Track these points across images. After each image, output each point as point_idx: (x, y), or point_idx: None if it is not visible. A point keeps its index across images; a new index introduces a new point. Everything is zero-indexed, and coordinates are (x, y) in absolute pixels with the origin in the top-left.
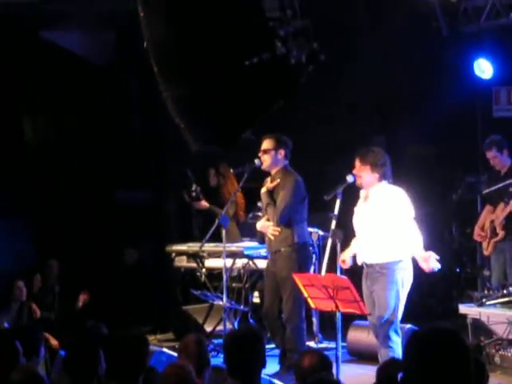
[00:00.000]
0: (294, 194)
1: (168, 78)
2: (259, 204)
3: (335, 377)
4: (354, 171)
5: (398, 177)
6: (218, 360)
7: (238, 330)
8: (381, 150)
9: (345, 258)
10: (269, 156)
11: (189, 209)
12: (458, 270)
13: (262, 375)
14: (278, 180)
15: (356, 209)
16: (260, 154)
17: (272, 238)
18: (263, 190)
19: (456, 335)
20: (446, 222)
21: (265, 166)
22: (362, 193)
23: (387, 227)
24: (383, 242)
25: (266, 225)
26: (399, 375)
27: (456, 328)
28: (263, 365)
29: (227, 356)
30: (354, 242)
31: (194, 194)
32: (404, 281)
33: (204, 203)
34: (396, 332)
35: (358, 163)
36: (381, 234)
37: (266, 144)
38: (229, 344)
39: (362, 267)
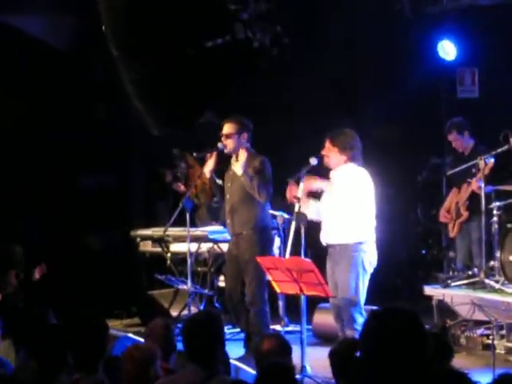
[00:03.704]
0: (268, 172)
1: (127, 61)
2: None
3: (299, 360)
4: (323, 151)
5: (363, 160)
6: None
7: (196, 314)
8: (353, 133)
9: None
10: (232, 140)
11: (155, 192)
12: (423, 251)
13: None
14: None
15: None
16: (222, 139)
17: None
18: (231, 170)
19: (413, 315)
20: (411, 204)
21: (228, 150)
22: (332, 173)
23: (348, 208)
24: (344, 222)
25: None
26: (356, 354)
27: (415, 309)
28: (222, 348)
29: (186, 340)
30: None
31: (178, 174)
32: (365, 263)
33: (183, 187)
34: (361, 314)
35: (327, 144)
36: (342, 215)
37: (228, 128)
38: (187, 328)
39: (326, 249)
